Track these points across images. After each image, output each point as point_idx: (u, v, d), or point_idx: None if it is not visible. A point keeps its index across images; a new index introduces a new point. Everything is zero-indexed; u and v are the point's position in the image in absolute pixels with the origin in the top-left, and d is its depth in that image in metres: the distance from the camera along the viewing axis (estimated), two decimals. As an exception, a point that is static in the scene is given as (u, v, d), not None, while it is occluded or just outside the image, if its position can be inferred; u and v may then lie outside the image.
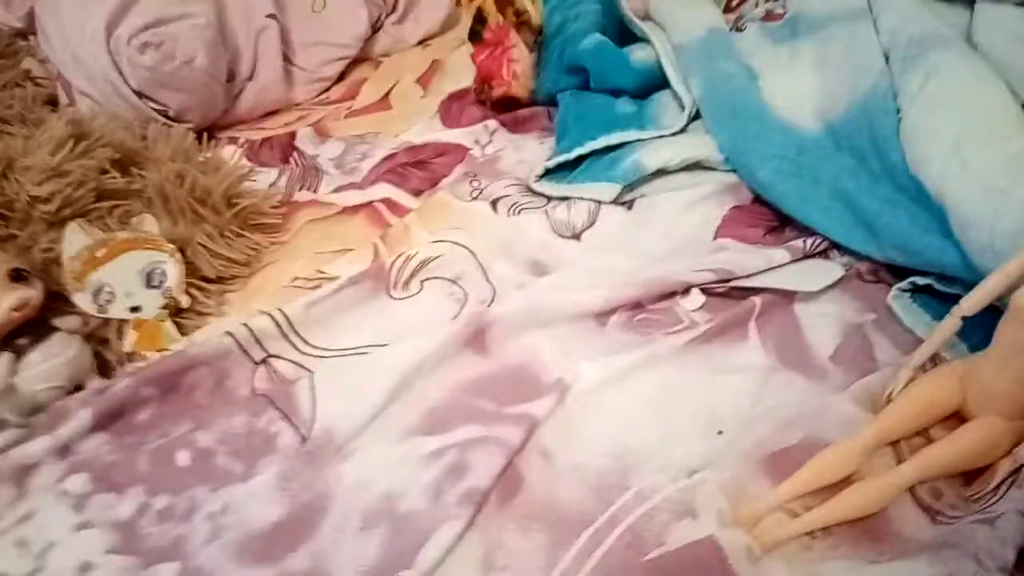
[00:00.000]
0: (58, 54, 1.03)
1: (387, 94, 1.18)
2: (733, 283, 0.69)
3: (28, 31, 1.15)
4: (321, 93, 1.22)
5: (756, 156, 0.84)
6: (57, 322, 0.66)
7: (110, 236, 0.71)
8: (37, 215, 0.70)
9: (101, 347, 0.69)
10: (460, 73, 1.19)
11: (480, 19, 1.13)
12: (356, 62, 1.27)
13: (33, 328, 0.64)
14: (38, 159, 0.71)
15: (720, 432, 0.57)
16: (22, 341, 0.63)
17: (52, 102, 1.05)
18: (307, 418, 0.61)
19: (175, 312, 0.73)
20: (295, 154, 1.03)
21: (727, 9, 1.10)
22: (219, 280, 0.77)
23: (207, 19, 1.05)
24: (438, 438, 0.58)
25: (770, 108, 0.88)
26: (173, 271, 0.73)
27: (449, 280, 0.76)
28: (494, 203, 0.88)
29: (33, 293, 0.64)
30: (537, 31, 1.13)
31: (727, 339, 0.65)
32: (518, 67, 1.09)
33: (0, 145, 0.72)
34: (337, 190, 0.95)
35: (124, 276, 0.71)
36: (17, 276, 0.63)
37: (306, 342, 0.69)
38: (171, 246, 0.73)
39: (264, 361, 0.68)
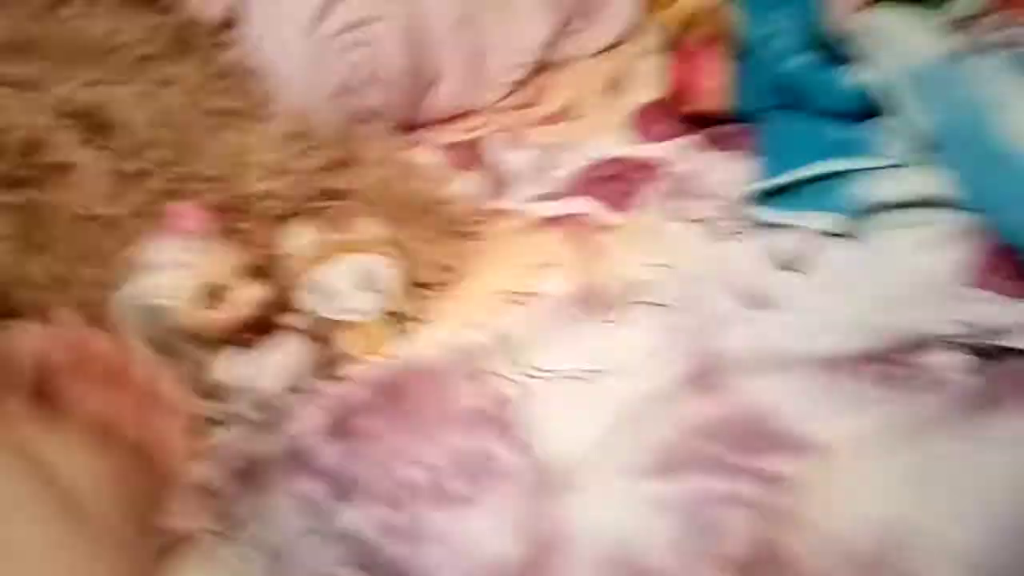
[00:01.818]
0: (263, 48, 1.05)
1: (575, 102, 1.15)
2: (997, 342, 0.62)
3: (231, 23, 1.18)
4: (505, 98, 1.21)
5: (998, 196, 0.76)
6: (282, 321, 0.66)
7: (331, 237, 0.71)
8: (262, 211, 0.71)
9: (320, 347, 0.69)
10: (649, 83, 1.15)
11: (678, 29, 1.09)
12: (540, 68, 1.25)
13: (260, 326, 0.64)
14: (266, 156, 0.72)
15: (1002, 517, 0.50)
16: (250, 339, 0.63)
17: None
18: (529, 443, 0.58)
19: (391, 317, 0.72)
20: (486, 160, 1.01)
21: (956, 31, 1.01)
22: (427, 286, 0.75)
23: (406, 20, 1.05)
24: (672, 484, 0.54)
25: (1015, 144, 0.80)
26: (391, 275, 0.72)
27: (661, 306, 0.72)
28: (701, 225, 0.84)
29: (267, 291, 0.64)
30: (737, 43, 1.07)
31: (999, 406, 0.58)
32: (718, 81, 1.04)
33: (233, 138, 0.72)
34: (532, 200, 0.93)
35: (344, 277, 0.71)
36: (250, 271, 0.63)
37: (521, 360, 0.66)
38: (389, 249, 0.72)
39: (483, 377, 0.66)
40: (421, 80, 1.10)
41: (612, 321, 0.70)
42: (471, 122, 1.14)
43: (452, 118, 1.15)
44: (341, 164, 0.77)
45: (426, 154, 1.01)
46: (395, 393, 0.62)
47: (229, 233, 0.67)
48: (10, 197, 0.65)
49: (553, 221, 0.88)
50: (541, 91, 1.20)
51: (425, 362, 0.64)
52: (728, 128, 1.02)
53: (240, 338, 0.63)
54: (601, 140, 1.03)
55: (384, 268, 0.71)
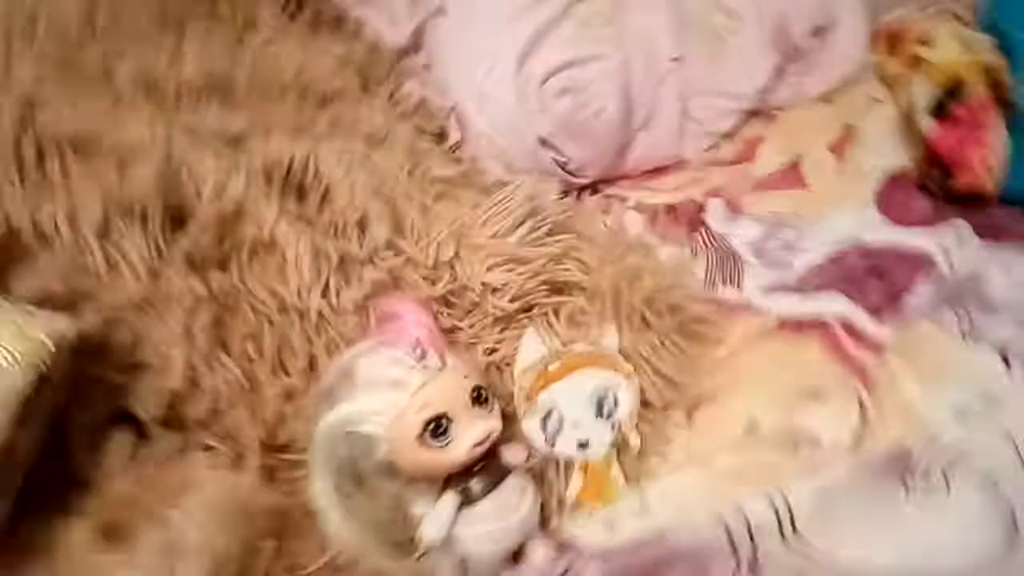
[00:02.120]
0: (457, 86, 0.93)
1: (795, 163, 0.98)
2: None
3: (413, 49, 1.07)
4: (710, 149, 1.05)
5: None
6: (505, 455, 0.53)
7: (566, 347, 0.57)
8: (486, 307, 0.58)
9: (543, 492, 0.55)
10: (880, 145, 0.97)
11: (950, 90, 0.90)
12: (751, 116, 1.08)
13: (483, 466, 0.51)
14: (495, 240, 0.58)
15: None
16: (473, 482, 0.50)
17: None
18: None
19: (626, 454, 0.57)
20: (704, 231, 0.85)
21: None
22: (664, 412, 0.61)
23: (618, 61, 0.91)
24: None
25: None
26: (627, 399, 0.58)
27: (980, 474, 0.55)
28: (1003, 353, 0.66)
29: (496, 424, 0.51)
30: (1013, 108, 0.88)
31: None
32: (994, 156, 0.85)
33: (450, 213, 0.60)
34: (768, 290, 0.77)
35: (574, 400, 0.57)
36: (478, 396, 0.50)
37: (807, 544, 0.51)
38: (628, 366, 0.58)
39: (752, 565, 0.50)
40: (628, 128, 0.96)
41: (922, 498, 0.54)
42: (675, 178, 0.98)
43: (654, 172, 1.00)
44: (571, 249, 0.63)
45: (631, 219, 0.87)
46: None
47: (451, 340, 0.54)
48: (198, 281, 0.54)
49: (802, 327, 0.72)
50: (753, 143, 1.04)
51: (688, 541, 0.49)
52: (1002, 213, 0.83)
53: (457, 480, 0.50)
54: (841, 218, 0.86)
55: (620, 391, 0.57)
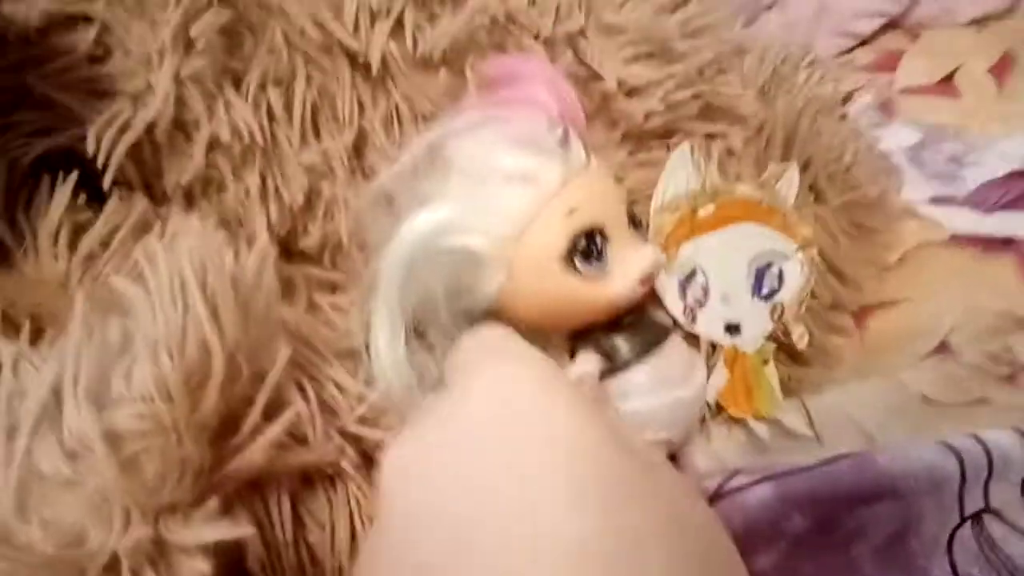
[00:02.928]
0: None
1: (948, 79, 0.81)
2: None
3: None
4: (843, 53, 0.88)
5: None
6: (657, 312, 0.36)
7: (727, 187, 0.39)
8: (617, 112, 0.40)
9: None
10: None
11: None
12: (887, 26, 0.91)
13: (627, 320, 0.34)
14: (641, 22, 0.40)
15: None
16: (619, 339, 0.32)
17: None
18: None
19: (778, 349, 0.40)
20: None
21: None
22: (829, 307, 0.43)
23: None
24: None
25: None
26: (797, 276, 0.40)
27: None
28: None
29: (661, 257, 0.34)
30: None
31: None
32: None
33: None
34: (936, 202, 0.60)
35: (727, 264, 0.39)
36: (634, 221, 0.32)
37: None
38: (807, 234, 0.40)
39: (977, 514, 0.33)
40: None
41: None
42: (805, 74, 0.79)
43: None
44: (741, 56, 0.44)
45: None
46: (824, 516, 0.31)
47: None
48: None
49: (982, 244, 0.55)
50: (891, 56, 0.86)
51: (907, 472, 0.32)
52: None
53: (593, 339, 0.32)
54: (1011, 142, 0.69)
55: (788, 264, 0.39)
